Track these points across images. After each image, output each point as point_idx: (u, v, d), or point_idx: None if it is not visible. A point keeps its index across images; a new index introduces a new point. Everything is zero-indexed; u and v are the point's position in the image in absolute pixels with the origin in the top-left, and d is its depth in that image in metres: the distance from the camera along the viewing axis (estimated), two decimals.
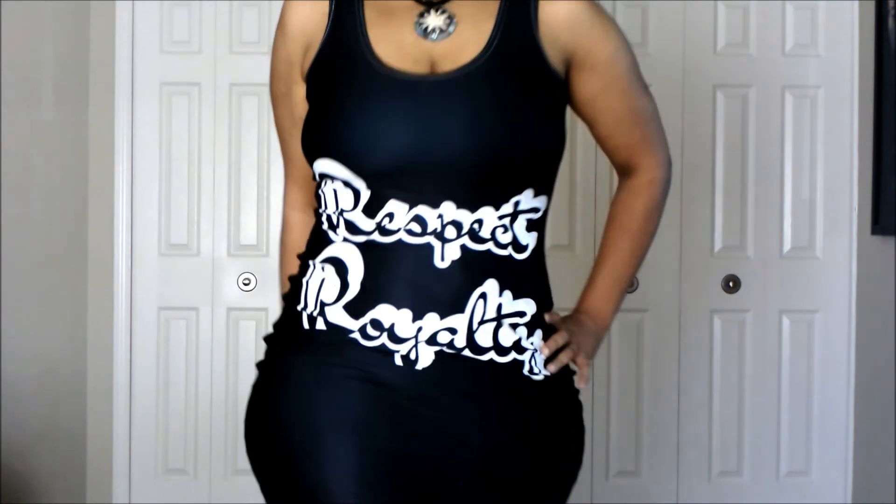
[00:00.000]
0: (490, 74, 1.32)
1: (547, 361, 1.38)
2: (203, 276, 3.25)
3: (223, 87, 3.23)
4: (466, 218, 1.30)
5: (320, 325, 1.34)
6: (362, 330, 1.31)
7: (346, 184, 1.32)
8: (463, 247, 1.30)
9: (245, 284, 3.24)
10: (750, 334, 3.25)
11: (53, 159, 3.06)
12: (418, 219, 1.30)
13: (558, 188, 1.45)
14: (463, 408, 1.31)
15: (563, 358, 1.39)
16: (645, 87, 1.49)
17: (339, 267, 1.34)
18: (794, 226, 3.25)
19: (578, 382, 1.43)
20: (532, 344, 1.36)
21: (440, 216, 1.29)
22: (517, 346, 1.34)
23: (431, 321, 1.30)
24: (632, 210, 1.52)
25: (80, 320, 3.19)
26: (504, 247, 1.33)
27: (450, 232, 1.30)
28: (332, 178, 1.34)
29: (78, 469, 3.19)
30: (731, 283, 3.23)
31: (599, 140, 1.51)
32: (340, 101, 1.33)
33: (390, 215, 1.30)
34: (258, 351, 3.29)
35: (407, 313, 1.30)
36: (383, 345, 1.31)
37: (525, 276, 1.36)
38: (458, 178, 1.29)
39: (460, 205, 1.30)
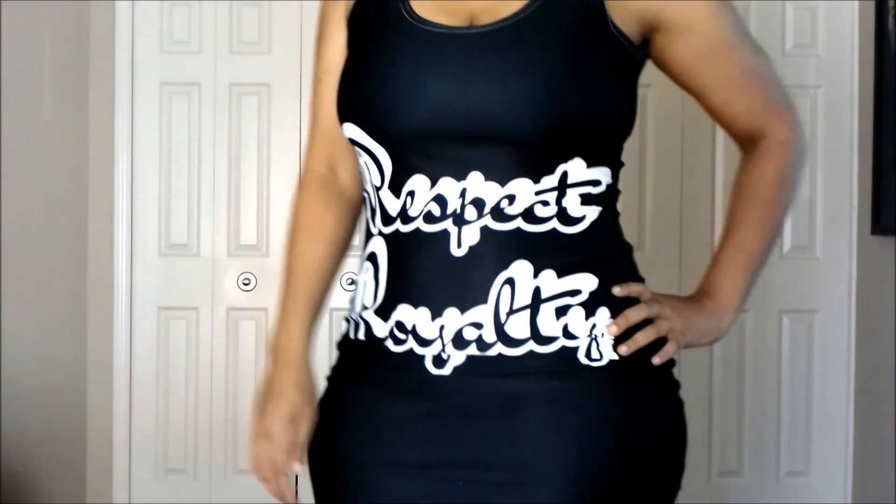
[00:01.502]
0: (533, 29, 1.16)
1: (620, 342, 1.18)
2: (203, 276, 3.25)
3: (223, 87, 3.23)
4: (494, 193, 1.15)
5: (361, 334, 1.24)
6: (391, 334, 1.20)
7: (370, 154, 1.20)
8: (483, 228, 1.15)
9: (245, 284, 3.24)
10: (750, 334, 3.25)
11: (53, 159, 3.06)
12: (438, 199, 1.16)
13: None
14: (502, 413, 1.16)
15: (641, 338, 1.19)
16: (757, 45, 1.30)
17: (375, 265, 1.23)
18: (794, 226, 3.24)
19: (654, 357, 1.21)
20: (594, 326, 1.17)
21: (463, 192, 1.15)
22: (566, 332, 1.16)
23: (452, 318, 1.16)
24: (760, 175, 1.31)
25: (80, 320, 3.19)
26: (542, 221, 1.16)
27: (470, 213, 1.15)
28: (358, 148, 1.22)
29: (78, 469, 3.19)
30: None
31: (714, 112, 1.33)
32: (365, 56, 1.21)
33: (412, 194, 1.17)
34: (258, 351, 3.32)
35: (425, 312, 1.17)
36: (411, 349, 1.18)
37: (579, 250, 1.18)
38: (490, 146, 1.14)
39: (489, 177, 1.15)
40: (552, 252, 1.17)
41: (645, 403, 1.22)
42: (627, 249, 1.26)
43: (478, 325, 1.16)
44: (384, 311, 1.20)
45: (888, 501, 2.88)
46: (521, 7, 1.17)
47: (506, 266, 1.15)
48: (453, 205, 1.15)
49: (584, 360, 1.17)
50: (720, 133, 3.23)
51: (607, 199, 1.22)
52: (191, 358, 3.27)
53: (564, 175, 1.16)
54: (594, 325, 1.18)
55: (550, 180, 1.16)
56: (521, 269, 1.16)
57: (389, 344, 1.20)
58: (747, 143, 1.35)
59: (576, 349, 1.17)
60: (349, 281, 3.15)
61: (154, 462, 3.24)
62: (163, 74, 3.23)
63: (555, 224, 1.17)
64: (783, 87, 1.34)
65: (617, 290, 1.19)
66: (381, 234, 1.22)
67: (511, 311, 1.16)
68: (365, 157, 1.22)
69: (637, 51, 1.23)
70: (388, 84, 1.17)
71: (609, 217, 1.22)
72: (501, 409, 1.16)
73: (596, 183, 1.19)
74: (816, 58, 3.22)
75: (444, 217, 1.16)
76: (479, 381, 1.16)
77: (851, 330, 3.21)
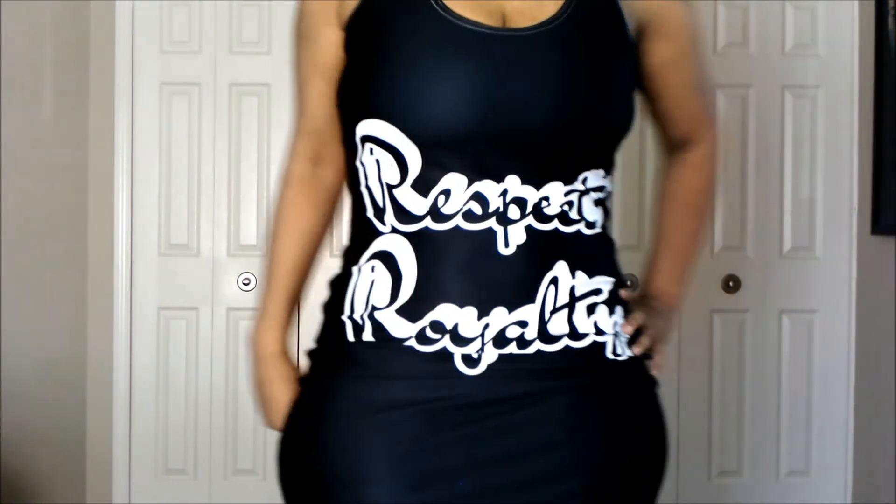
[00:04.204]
0: (572, 34, 1.17)
1: (630, 342, 1.25)
2: (203, 276, 3.25)
3: (223, 87, 3.23)
4: (531, 195, 1.15)
5: (367, 335, 1.19)
6: (420, 334, 1.16)
7: (394, 151, 1.17)
8: (528, 227, 1.15)
9: (245, 284, 3.24)
10: (750, 334, 3.25)
11: (53, 159, 3.06)
12: (478, 197, 1.14)
13: None
14: (535, 406, 1.17)
15: (646, 341, 1.27)
16: (703, 52, 1.36)
17: (390, 263, 1.18)
18: (794, 226, 3.25)
19: (654, 368, 1.29)
20: (615, 324, 1.23)
21: (504, 192, 1.14)
22: (596, 328, 1.21)
23: (499, 317, 1.15)
24: (694, 185, 1.40)
25: (80, 320, 3.19)
26: (572, 223, 1.19)
27: (513, 212, 1.15)
28: (377, 145, 1.18)
29: (78, 469, 3.19)
30: (731, 283, 3.23)
31: (663, 113, 1.36)
32: (397, 52, 1.16)
33: (446, 192, 1.15)
34: None
35: (471, 311, 1.15)
36: (444, 348, 1.16)
37: (597, 251, 1.23)
38: (529, 149, 1.14)
39: (525, 180, 1.15)
40: (581, 253, 1.20)
41: (650, 401, 1.28)
42: (616, 252, 1.31)
43: (522, 324, 1.16)
44: (412, 311, 1.17)
45: (888, 501, 2.88)
46: (557, 12, 1.18)
47: (550, 266, 1.18)
48: (495, 203, 1.15)
49: (610, 356, 1.22)
50: (720, 133, 3.24)
51: (607, 203, 1.26)
52: (191, 358, 3.27)
53: (585, 180, 1.19)
54: (615, 323, 1.23)
55: (576, 185, 1.19)
56: (562, 269, 1.19)
57: (414, 343, 1.17)
58: (677, 145, 1.40)
59: (603, 345, 1.21)
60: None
61: (154, 462, 3.24)
62: (163, 74, 3.23)
63: (580, 227, 1.20)
64: (713, 96, 1.42)
65: (624, 294, 1.26)
66: (397, 231, 1.18)
67: (554, 310, 1.18)
68: (380, 155, 1.18)
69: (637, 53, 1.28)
70: (438, 83, 1.13)
71: (608, 220, 1.27)
72: (533, 401, 1.17)
73: (603, 188, 1.23)
74: (816, 58, 3.22)
75: (486, 216, 1.15)
76: (511, 377, 1.17)
77: (851, 330, 3.21)
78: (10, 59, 2.75)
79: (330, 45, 1.27)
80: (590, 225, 1.21)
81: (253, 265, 3.24)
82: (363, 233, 1.22)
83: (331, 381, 1.22)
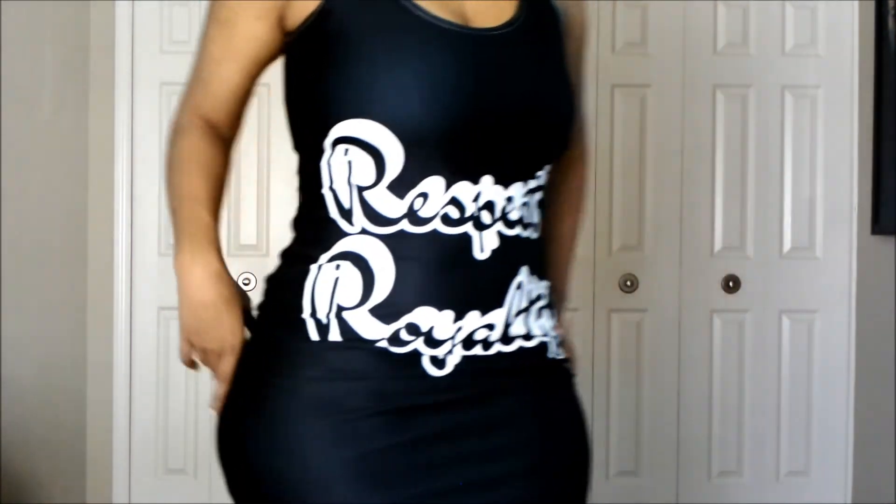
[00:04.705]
0: (535, 33, 1.24)
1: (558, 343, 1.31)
2: None
3: None
4: (500, 196, 1.18)
5: (334, 335, 1.16)
6: (394, 336, 1.15)
7: (374, 152, 1.15)
8: (499, 234, 1.18)
9: (245, 284, 3.24)
10: (750, 334, 3.26)
11: (53, 159, 3.06)
12: (455, 202, 1.15)
13: None
14: (495, 405, 1.20)
15: (570, 343, 1.34)
16: None
17: (360, 264, 1.16)
18: (794, 226, 3.25)
19: (574, 366, 1.35)
20: (553, 325, 1.28)
21: (477, 196, 1.16)
22: (543, 329, 1.26)
23: (472, 320, 1.17)
24: (573, 183, 1.46)
25: (80, 320, 3.19)
26: (527, 227, 1.22)
27: (485, 217, 1.17)
28: (355, 146, 1.15)
29: (78, 469, 3.19)
30: (731, 283, 3.23)
31: None
32: (381, 50, 1.14)
33: (424, 195, 1.15)
34: None
35: (449, 314, 1.16)
36: (415, 350, 1.16)
37: (541, 255, 1.27)
38: (505, 144, 1.16)
39: (497, 179, 1.17)
40: (534, 256, 1.25)
41: (578, 398, 1.33)
42: None
43: (490, 327, 1.19)
44: (387, 313, 1.15)
45: (888, 501, 2.88)
46: (517, 12, 1.24)
47: (517, 271, 1.21)
48: (470, 208, 1.17)
49: (551, 355, 1.28)
50: (720, 133, 3.24)
51: (544, 198, 1.28)
52: None
53: (539, 177, 1.24)
54: (553, 325, 1.29)
55: (532, 182, 1.23)
56: (525, 274, 1.22)
57: (385, 345, 1.15)
58: None
59: (547, 345, 1.27)
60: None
61: (154, 462, 3.24)
62: (163, 74, 3.23)
63: (531, 231, 1.24)
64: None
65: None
66: (368, 233, 1.16)
67: (517, 313, 1.22)
68: (355, 156, 1.16)
69: None
70: (426, 79, 1.13)
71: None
72: (493, 401, 1.21)
73: (544, 188, 1.26)
74: (816, 58, 3.22)
75: (463, 220, 1.16)
76: (474, 376, 1.19)
77: (851, 330, 3.21)
78: (10, 59, 2.75)
79: (255, 40, 1.26)
80: (536, 229, 1.25)
81: (253, 265, 3.24)
82: (322, 232, 1.19)
83: (284, 380, 1.17)
